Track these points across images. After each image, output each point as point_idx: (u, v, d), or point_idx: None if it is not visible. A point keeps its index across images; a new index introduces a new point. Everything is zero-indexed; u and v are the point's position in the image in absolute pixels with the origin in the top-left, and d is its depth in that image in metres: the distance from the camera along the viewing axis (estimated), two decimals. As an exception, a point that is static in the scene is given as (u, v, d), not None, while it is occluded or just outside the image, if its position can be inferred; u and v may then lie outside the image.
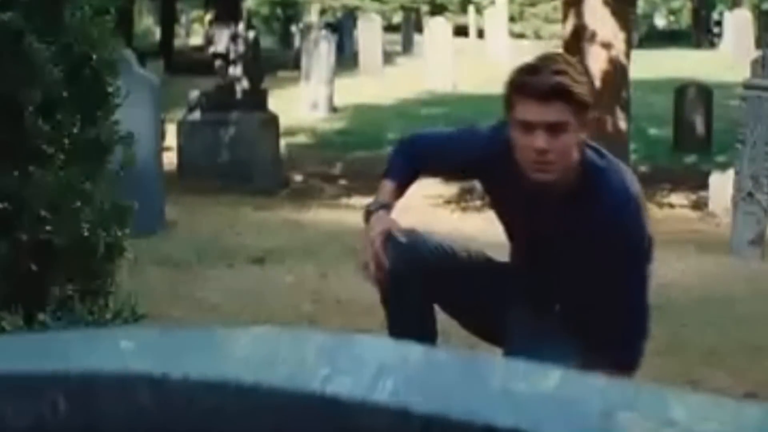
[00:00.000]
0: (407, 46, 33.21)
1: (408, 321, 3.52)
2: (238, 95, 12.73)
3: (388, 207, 3.52)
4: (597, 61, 11.53)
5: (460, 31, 31.78)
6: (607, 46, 11.56)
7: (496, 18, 30.10)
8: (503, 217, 3.62)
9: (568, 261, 3.47)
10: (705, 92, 16.08)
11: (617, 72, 11.59)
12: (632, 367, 3.48)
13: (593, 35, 11.56)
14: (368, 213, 3.53)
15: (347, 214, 10.10)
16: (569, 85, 3.22)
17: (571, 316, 3.54)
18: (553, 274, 3.53)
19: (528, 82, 3.25)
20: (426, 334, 3.55)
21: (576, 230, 3.38)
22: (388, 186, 3.58)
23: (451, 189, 12.72)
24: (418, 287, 3.48)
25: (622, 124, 11.49)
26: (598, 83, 11.46)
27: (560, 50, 12.16)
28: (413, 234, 3.54)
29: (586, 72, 3.54)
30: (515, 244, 3.65)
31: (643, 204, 3.49)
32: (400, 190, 3.61)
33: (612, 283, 3.46)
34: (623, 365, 3.44)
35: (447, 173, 4.04)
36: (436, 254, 3.55)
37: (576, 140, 3.29)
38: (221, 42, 12.90)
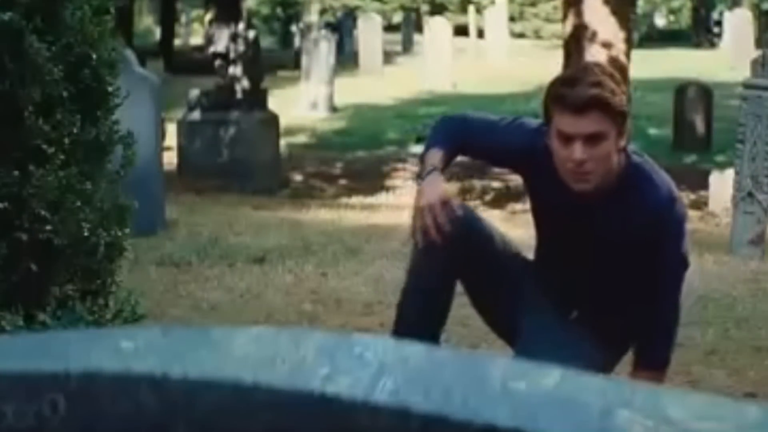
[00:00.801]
0: (407, 46, 33.20)
1: (428, 288, 3.54)
2: (238, 95, 12.73)
3: (439, 171, 3.49)
4: (597, 59, 11.52)
5: (460, 30, 31.76)
6: (607, 45, 11.56)
7: (496, 18, 30.07)
8: (540, 213, 3.64)
9: (603, 261, 3.51)
10: (705, 92, 16.08)
11: (617, 71, 11.59)
12: (667, 365, 3.62)
13: (593, 35, 11.56)
14: (419, 177, 3.52)
15: (347, 213, 10.11)
16: (606, 97, 3.27)
17: (593, 320, 3.56)
18: (581, 275, 3.56)
19: (565, 94, 3.30)
20: (440, 305, 3.59)
21: (619, 230, 3.42)
22: (436, 154, 3.53)
23: (451, 187, 12.72)
24: (451, 259, 3.48)
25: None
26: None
27: (560, 50, 12.18)
28: (464, 208, 3.56)
29: (624, 81, 3.59)
30: (547, 242, 3.66)
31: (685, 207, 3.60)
32: (448, 159, 3.57)
33: (653, 284, 3.52)
34: (663, 364, 3.55)
35: (487, 157, 3.90)
36: (477, 234, 3.57)
37: (615, 147, 3.34)
38: (221, 41, 12.93)
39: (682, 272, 3.54)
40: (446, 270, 3.53)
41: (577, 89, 3.28)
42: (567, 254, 3.55)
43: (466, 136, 3.60)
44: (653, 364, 3.56)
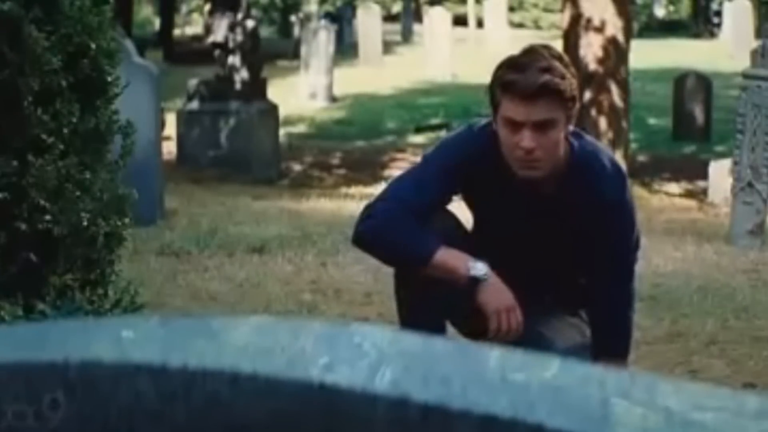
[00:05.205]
0: (406, 36, 33.19)
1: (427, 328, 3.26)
2: (237, 85, 12.72)
3: (488, 267, 3.24)
4: (595, 49, 11.54)
5: (460, 20, 31.73)
6: (606, 35, 11.56)
7: (495, 8, 30.08)
8: (487, 218, 3.50)
9: (559, 252, 3.43)
10: (704, 82, 16.07)
11: (616, 58, 11.59)
12: (627, 352, 3.57)
13: (592, 24, 11.57)
14: (473, 277, 3.23)
15: (346, 203, 10.11)
16: (557, 84, 3.17)
17: (562, 308, 3.52)
18: (541, 266, 3.45)
19: (514, 80, 3.19)
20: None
21: (571, 218, 3.35)
22: (445, 253, 3.23)
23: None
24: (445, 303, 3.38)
25: (620, 104, 11.48)
26: (597, 69, 11.47)
27: (559, 39, 12.17)
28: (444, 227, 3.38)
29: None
30: (497, 244, 3.42)
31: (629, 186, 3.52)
32: (448, 239, 3.28)
33: (608, 269, 3.46)
34: (624, 352, 3.51)
35: (448, 198, 3.48)
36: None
37: (564, 133, 3.26)
38: (220, 31, 12.88)
39: (634, 258, 3.50)
40: (439, 314, 3.40)
41: (526, 75, 3.17)
42: (523, 251, 3.41)
43: (420, 208, 3.31)
44: (613, 351, 3.45)
